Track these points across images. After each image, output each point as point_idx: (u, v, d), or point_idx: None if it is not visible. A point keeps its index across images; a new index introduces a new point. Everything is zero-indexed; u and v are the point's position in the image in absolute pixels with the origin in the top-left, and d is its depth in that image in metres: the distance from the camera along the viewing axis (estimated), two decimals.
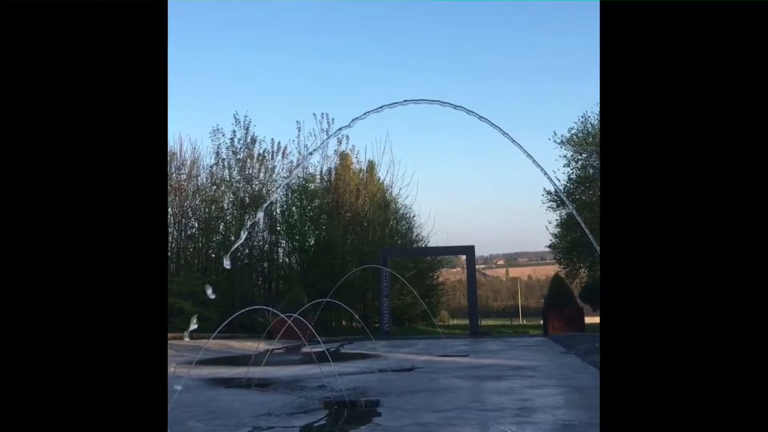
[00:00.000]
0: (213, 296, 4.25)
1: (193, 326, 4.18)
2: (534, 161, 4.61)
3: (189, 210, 24.94)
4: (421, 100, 4.66)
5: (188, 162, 25.14)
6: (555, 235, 27.21)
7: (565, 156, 25.80)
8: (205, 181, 25.45)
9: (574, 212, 18.34)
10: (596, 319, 18.86)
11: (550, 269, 38.50)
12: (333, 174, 25.88)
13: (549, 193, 26.26)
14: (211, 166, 25.19)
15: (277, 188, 24.53)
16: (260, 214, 23.49)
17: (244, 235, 17.82)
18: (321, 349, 14.00)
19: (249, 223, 22.69)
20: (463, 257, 21.91)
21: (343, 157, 25.93)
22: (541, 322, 20.46)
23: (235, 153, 24.77)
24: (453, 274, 51.48)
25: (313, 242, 24.65)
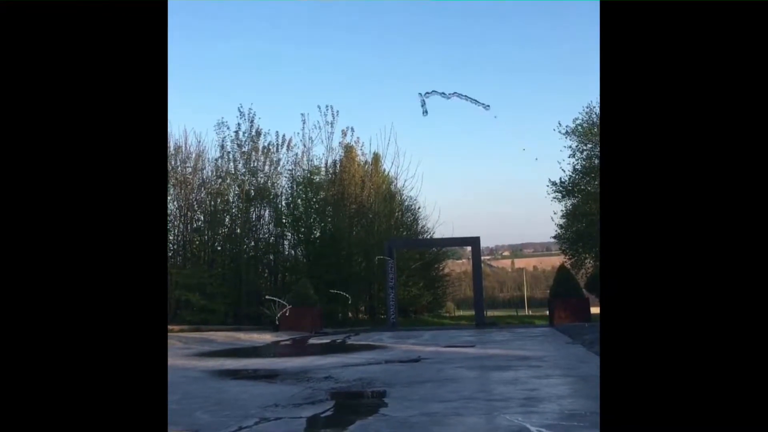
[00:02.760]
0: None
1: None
2: None
3: (195, 203, 24.97)
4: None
5: (193, 155, 25.17)
6: (560, 226, 27.17)
7: (570, 147, 25.76)
8: (210, 174, 25.48)
9: None
10: None
11: (556, 260, 38.41)
12: (338, 166, 25.88)
13: (554, 183, 26.22)
14: (216, 159, 25.23)
15: None
16: None
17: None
18: (328, 341, 14.09)
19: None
20: (469, 248, 21.91)
21: (348, 149, 25.91)
22: (547, 312, 20.46)
23: (240, 146, 24.78)
24: (458, 266, 51.47)
25: (318, 234, 24.66)
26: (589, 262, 25.80)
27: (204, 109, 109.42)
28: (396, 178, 26.86)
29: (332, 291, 20.07)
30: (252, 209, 24.92)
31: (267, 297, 17.49)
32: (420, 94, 13.23)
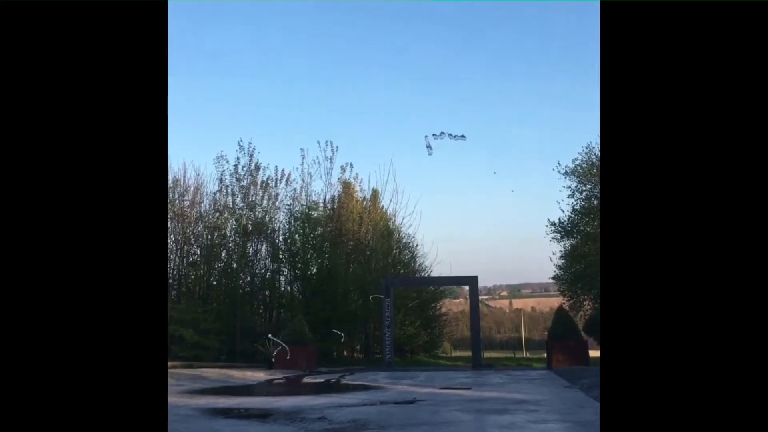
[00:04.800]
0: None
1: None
2: None
3: (191, 236, 24.89)
4: None
5: (192, 188, 25.19)
6: (559, 267, 27.10)
7: (569, 187, 25.83)
8: (208, 207, 25.46)
9: None
10: None
11: (554, 301, 38.26)
12: (336, 202, 25.88)
13: (553, 224, 26.21)
14: (214, 193, 25.24)
15: None
16: None
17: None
18: (322, 380, 13.88)
19: None
20: (467, 288, 21.77)
21: (347, 185, 25.94)
22: (545, 354, 20.23)
23: (238, 180, 24.82)
24: (456, 305, 51.17)
25: (315, 270, 24.53)
26: (588, 304, 25.66)
27: (203, 143, 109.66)
28: (394, 215, 26.87)
29: (333, 330, 19.87)
30: (249, 244, 24.82)
31: (269, 336, 17.17)
32: (427, 136, 14.46)
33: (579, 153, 25.84)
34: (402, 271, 26.34)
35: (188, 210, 24.81)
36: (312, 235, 24.73)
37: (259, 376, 15.22)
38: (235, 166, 24.76)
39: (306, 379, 14.32)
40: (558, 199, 32.28)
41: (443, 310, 31.63)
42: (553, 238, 26.48)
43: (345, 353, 24.00)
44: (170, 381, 12.71)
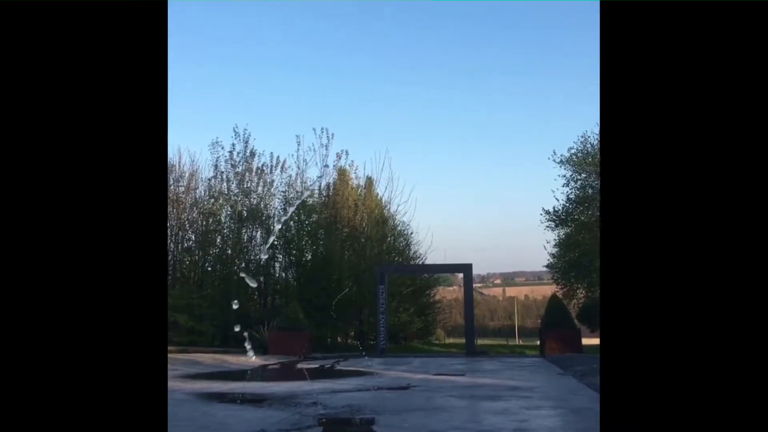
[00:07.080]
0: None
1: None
2: None
3: (186, 222, 24.86)
4: None
5: (187, 174, 25.14)
6: (553, 255, 27.17)
7: (564, 176, 25.84)
8: (203, 193, 25.42)
9: None
10: (594, 341, 18.78)
11: (548, 289, 38.40)
12: (331, 189, 25.86)
13: (548, 212, 26.25)
14: (209, 179, 25.18)
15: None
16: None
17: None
18: (317, 366, 13.93)
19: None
20: (461, 275, 21.83)
21: (342, 172, 25.90)
22: (538, 342, 20.34)
23: (233, 166, 24.77)
24: (450, 293, 51.36)
25: (310, 257, 24.55)
26: (582, 293, 25.76)
27: (199, 128, 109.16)
28: (389, 203, 26.83)
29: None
30: (244, 230, 24.81)
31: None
32: None
33: (574, 142, 25.85)
34: (396, 259, 26.36)
35: (183, 196, 24.77)
36: (307, 222, 24.73)
37: (254, 361, 15.27)
38: (231, 152, 24.74)
39: (300, 365, 14.38)
40: (553, 187, 32.33)
41: (437, 297, 31.73)
42: (547, 226, 26.53)
43: (339, 339, 24.08)
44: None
